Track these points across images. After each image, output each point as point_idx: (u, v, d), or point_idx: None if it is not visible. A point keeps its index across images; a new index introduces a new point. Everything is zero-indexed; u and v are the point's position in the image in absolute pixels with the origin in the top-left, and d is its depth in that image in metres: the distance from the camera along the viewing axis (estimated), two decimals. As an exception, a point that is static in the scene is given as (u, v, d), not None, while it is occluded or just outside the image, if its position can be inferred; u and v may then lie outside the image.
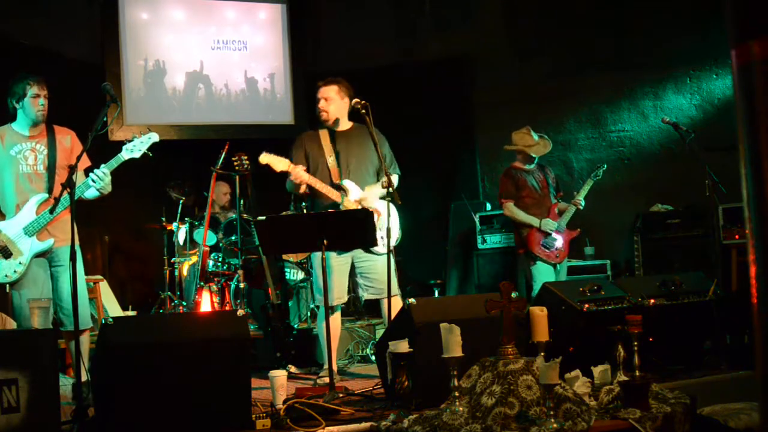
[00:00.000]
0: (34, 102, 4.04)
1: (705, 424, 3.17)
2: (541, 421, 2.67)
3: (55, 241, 4.02)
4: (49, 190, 4.04)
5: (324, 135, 4.68)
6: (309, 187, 4.54)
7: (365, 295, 4.63)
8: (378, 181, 4.66)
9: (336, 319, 4.57)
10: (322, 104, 4.65)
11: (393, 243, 4.47)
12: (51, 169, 4.08)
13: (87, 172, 4.10)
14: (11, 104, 4.09)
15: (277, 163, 4.47)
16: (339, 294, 4.50)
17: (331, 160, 4.60)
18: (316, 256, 4.51)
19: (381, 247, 4.49)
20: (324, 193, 4.51)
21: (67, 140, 4.20)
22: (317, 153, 4.62)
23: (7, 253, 3.94)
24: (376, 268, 4.56)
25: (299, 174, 4.46)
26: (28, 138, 4.10)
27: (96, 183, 3.98)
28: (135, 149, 4.09)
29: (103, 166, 4.03)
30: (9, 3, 6.83)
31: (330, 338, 3.94)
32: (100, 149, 4.05)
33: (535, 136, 5.68)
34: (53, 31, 7.05)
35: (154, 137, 4.15)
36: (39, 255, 3.99)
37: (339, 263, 4.51)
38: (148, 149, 4.11)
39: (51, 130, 4.17)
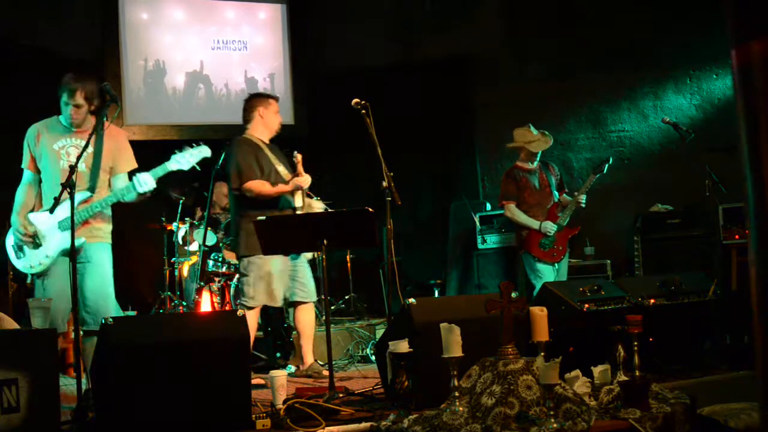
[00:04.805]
0: (64, 109, 4.02)
1: (705, 424, 3.17)
2: (541, 421, 2.67)
3: (86, 239, 3.98)
4: (92, 189, 4.00)
5: (261, 144, 4.86)
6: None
7: (295, 297, 4.77)
8: None
9: (309, 313, 4.83)
10: (279, 117, 4.97)
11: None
12: (94, 168, 4.02)
13: (131, 175, 4.08)
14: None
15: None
16: (281, 297, 4.75)
17: (281, 169, 4.82)
18: (264, 259, 4.63)
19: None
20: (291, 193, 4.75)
21: (116, 141, 4.14)
22: (266, 161, 4.79)
23: (37, 243, 3.93)
24: (306, 272, 4.82)
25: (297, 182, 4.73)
26: (74, 133, 4.06)
27: (141, 187, 3.95)
28: (184, 161, 4.06)
29: (147, 173, 3.99)
30: (9, 3, 6.84)
31: (330, 337, 3.95)
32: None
33: (535, 132, 5.68)
34: (53, 31, 7.04)
35: (206, 152, 4.13)
36: (68, 252, 3.92)
37: (287, 268, 4.74)
38: (197, 163, 4.10)
39: (101, 128, 4.08)
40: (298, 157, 4.70)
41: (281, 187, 4.69)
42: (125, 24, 7.48)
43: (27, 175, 4.08)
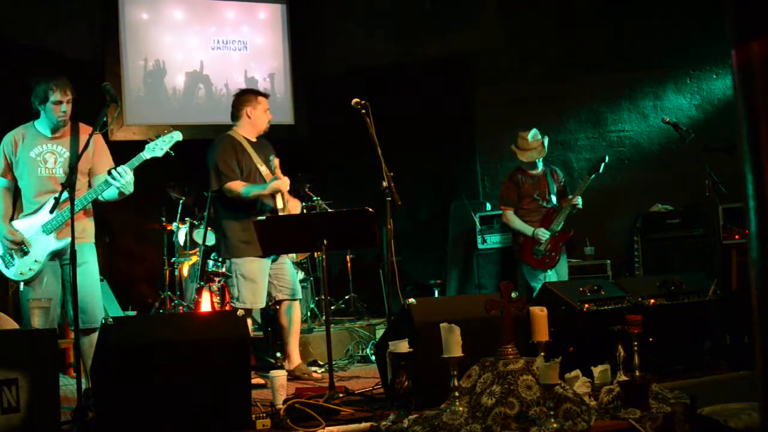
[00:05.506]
0: (55, 109, 3.93)
1: (705, 424, 3.17)
2: (541, 421, 2.67)
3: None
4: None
5: (246, 143, 4.79)
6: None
7: (279, 296, 4.78)
8: None
9: (294, 311, 4.83)
10: (268, 116, 4.88)
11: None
12: (72, 170, 3.95)
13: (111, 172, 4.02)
14: (34, 105, 4.00)
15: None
16: (265, 297, 4.74)
17: (263, 169, 4.76)
18: (256, 261, 4.64)
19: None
20: (270, 196, 4.70)
21: (92, 143, 4.03)
22: (248, 161, 4.74)
23: (26, 250, 3.92)
24: (288, 270, 4.82)
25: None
26: (50, 139, 4.02)
27: (117, 180, 3.88)
28: (157, 148, 4.01)
29: (123, 165, 3.95)
30: (9, 3, 6.84)
31: (330, 337, 3.95)
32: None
33: (531, 139, 5.65)
34: (53, 31, 7.04)
35: (177, 136, 4.09)
36: (55, 254, 3.95)
37: (268, 267, 4.72)
38: (170, 148, 4.07)
39: (76, 128, 4.05)
40: (276, 161, 4.68)
41: (257, 191, 4.63)
42: (125, 24, 7.48)
43: (2, 182, 4.04)
